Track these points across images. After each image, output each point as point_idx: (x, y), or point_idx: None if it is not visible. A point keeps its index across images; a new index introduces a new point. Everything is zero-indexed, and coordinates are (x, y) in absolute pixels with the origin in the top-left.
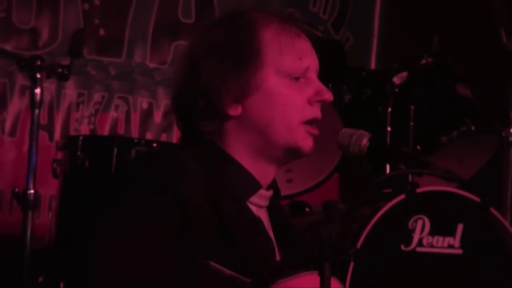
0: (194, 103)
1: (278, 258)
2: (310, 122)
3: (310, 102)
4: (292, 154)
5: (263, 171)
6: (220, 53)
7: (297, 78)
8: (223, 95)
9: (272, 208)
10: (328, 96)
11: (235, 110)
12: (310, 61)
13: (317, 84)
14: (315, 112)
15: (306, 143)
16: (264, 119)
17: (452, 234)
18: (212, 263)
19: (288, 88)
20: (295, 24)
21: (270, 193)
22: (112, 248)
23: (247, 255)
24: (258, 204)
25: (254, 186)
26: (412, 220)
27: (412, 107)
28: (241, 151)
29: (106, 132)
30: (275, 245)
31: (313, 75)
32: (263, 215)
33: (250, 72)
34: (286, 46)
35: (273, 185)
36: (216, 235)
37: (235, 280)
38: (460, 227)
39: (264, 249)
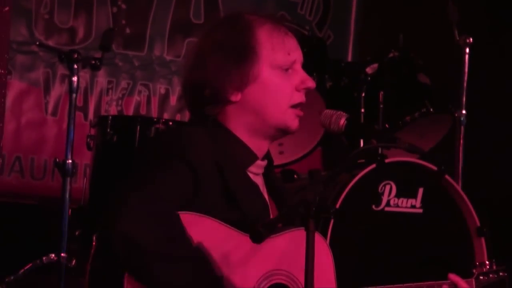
0: (202, 91)
1: (271, 216)
2: (296, 106)
3: (297, 89)
4: (281, 132)
5: (258, 145)
6: (223, 50)
7: (286, 70)
8: (226, 85)
9: (267, 175)
10: (311, 84)
11: (236, 97)
12: (297, 55)
13: (302, 74)
14: (301, 97)
15: (294, 123)
16: (260, 104)
17: (414, 196)
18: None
19: (279, 78)
20: (284, 24)
21: (264, 162)
22: (133, 206)
23: (246, 214)
24: (255, 172)
25: (251, 157)
26: (381, 185)
27: (382, 92)
28: (240, 129)
29: (130, 112)
30: (269, 205)
31: (298, 66)
32: (259, 181)
33: (248, 66)
34: (277, 43)
35: (267, 156)
36: (220, 197)
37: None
38: (420, 190)
39: (260, 209)
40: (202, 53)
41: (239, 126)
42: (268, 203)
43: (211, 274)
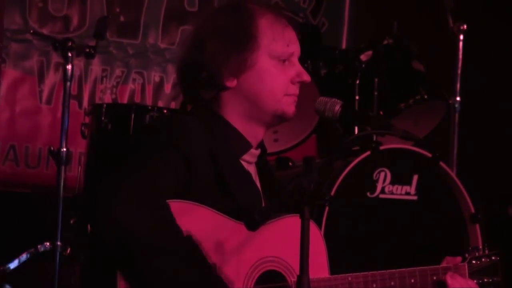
0: (198, 74)
1: (263, 205)
2: (291, 94)
3: (292, 81)
4: (278, 118)
5: (253, 132)
6: (224, 35)
7: (283, 61)
8: (223, 69)
9: (260, 163)
10: (307, 77)
11: (231, 83)
12: (295, 48)
13: (298, 67)
14: (295, 90)
15: (290, 109)
16: (254, 92)
17: (409, 183)
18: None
19: (276, 69)
20: (285, 16)
21: (258, 151)
22: (125, 195)
23: (239, 202)
24: (248, 161)
25: (245, 146)
26: (376, 172)
27: (376, 79)
28: (234, 117)
29: (125, 100)
30: (261, 194)
31: (295, 59)
32: (252, 169)
33: (247, 53)
34: (278, 34)
35: (261, 145)
36: (213, 185)
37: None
38: (415, 177)
39: (252, 197)
40: (202, 36)
41: (234, 113)
42: (261, 191)
43: (203, 263)
